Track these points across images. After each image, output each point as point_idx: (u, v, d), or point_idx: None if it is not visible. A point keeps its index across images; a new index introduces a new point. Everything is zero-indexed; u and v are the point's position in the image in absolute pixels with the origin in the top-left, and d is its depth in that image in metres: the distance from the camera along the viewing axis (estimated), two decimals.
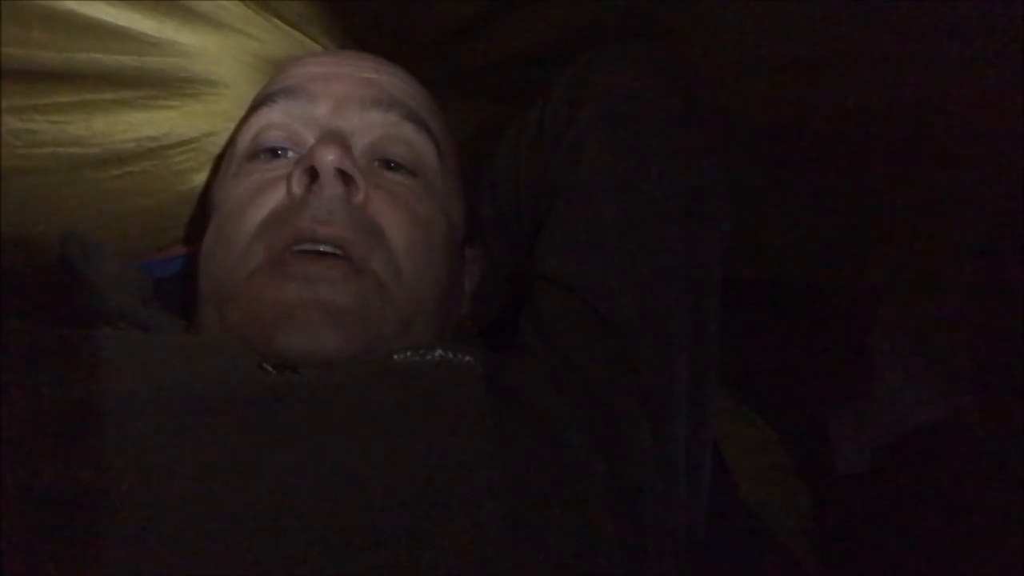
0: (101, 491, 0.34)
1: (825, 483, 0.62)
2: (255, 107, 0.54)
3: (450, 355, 0.45)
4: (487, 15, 0.58)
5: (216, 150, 0.64)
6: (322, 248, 0.46)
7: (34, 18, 0.48)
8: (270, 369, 0.43)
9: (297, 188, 0.48)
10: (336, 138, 0.48)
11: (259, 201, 0.49)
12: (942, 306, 0.60)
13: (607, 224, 0.48)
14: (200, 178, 0.65)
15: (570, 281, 0.48)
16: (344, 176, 0.47)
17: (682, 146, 0.51)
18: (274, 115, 0.52)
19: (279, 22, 0.61)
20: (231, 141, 0.56)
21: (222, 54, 0.59)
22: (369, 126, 0.52)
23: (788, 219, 0.65)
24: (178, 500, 0.34)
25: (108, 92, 0.56)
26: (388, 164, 0.52)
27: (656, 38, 0.56)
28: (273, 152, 0.52)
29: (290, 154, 0.51)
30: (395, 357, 0.45)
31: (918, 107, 0.54)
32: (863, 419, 0.63)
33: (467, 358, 0.46)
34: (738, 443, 0.66)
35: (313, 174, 0.47)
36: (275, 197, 0.49)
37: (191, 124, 0.61)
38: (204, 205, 0.61)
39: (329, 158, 0.46)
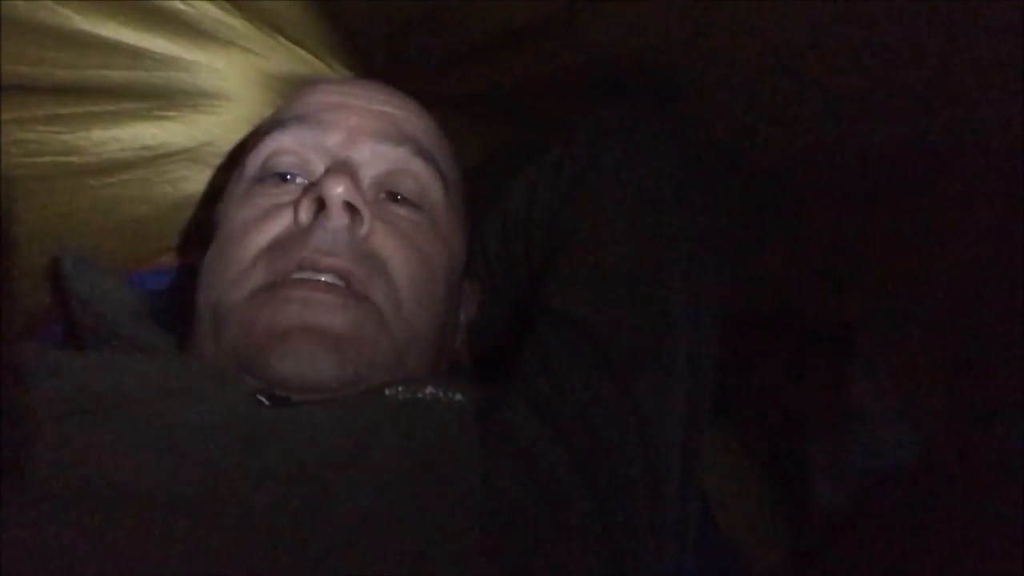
0: (84, 519, 0.34)
1: (803, 517, 0.64)
2: (267, 130, 0.54)
3: (440, 393, 0.46)
4: (490, 46, 0.59)
5: (212, 160, 0.64)
6: (323, 278, 0.46)
7: (44, 37, 0.49)
8: (264, 400, 0.43)
9: (304, 217, 0.48)
10: (346, 170, 0.49)
11: (264, 225, 0.49)
12: (920, 347, 0.62)
13: (617, 267, 0.49)
14: (194, 187, 0.65)
15: (576, 318, 0.48)
16: (351, 208, 0.47)
17: (693, 196, 0.52)
18: (285, 141, 0.52)
19: (282, 39, 0.61)
20: (240, 161, 0.57)
21: (225, 69, 0.60)
22: (379, 158, 0.52)
23: (767, 254, 0.66)
24: (167, 530, 0.34)
25: (110, 104, 0.56)
26: (395, 197, 0.52)
27: (661, 83, 0.57)
28: (282, 177, 0.52)
29: (298, 180, 0.52)
30: (387, 392, 0.45)
31: (896, 147, 0.55)
32: (841, 453, 0.65)
33: (457, 396, 0.46)
34: (717, 473, 0.67)
35: (321, 204, 0.47)
36: (281, 223, 0.49)
37: (189, 134, 0.62)
38: (206, 220, 0.61)
39: (338, 190, 0.47)
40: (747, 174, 0.60)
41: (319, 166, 0.51)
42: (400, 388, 0.45)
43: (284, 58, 0.62)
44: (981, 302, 0.58)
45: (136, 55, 0.54)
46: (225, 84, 0.60)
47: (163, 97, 0.58)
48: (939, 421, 0.60)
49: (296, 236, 0.48)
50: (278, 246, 0.48)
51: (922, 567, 0.55)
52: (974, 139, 0.53)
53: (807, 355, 0.67)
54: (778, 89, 0.55)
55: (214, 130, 0.63)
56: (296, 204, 0.49)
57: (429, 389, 0.46)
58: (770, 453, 0.68)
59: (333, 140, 0.52)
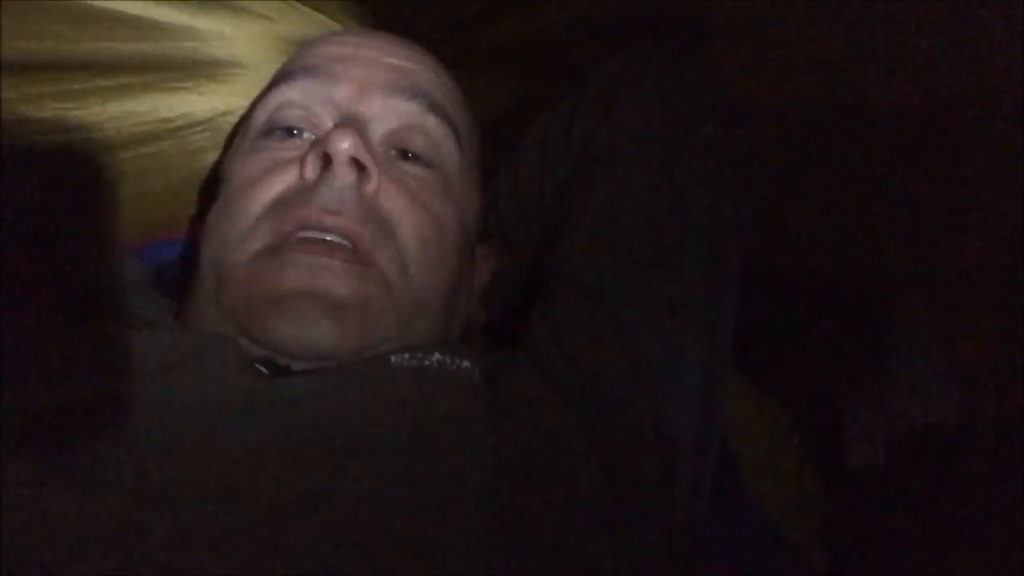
0: (87, 497, 0.34)
1: (838, 475, 0.62)
2: (274, 83, 0.53)
3: (448, 360, 0.45)
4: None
5: (231, 128, 0.64)
6: (328, 237, 0.45)
7: (45, 11, 0.48)
8: (263, 370, 0.43)
9: (310, 173, 0.47)
10: (353, 125, 0.47)
11: (270, 181, 0.48)
12: (962, 303, 0.60)
13: (630, 228, 0.48)
14: (213, 157, 0.65)
15: (587, 281, 0.47)
16: (358, 165, 0.46)
17: (711, 154, 0.50)
18: (292, 93, 0.51)
19: (297, 2, 0.60)
20: (247, 116, 0.56)
21: (237, 35, 0.59)
22: (390, 113, 0.50)
23: (812, 209, 0.64)
24: (167, 505, 0.34)
25: (122, 78, 0.55)
26: (406, 154, 0.51)
27: (685, 30, 0.55)
28: (288, 131, 0.51)
29: (305, 135, 0.50)
30: (392, 359, 0.44)
31: (948, 103, 0.53)
32: (879, 411, 0.63)
33: (465, 363, 0.45)
34: (749, 430, 0.65)
35: (327, 160, 0.46)
36: (286, 179, 0.48)
37: (206, 104, 0.61)
38: (213, 179, 0.60)
39: (344, 146, 0.45)
40: (776, 123, 0.57)
41: (327, 120, 0.50)
42: (406, 356, 0.44)
43: (296, 21, 0.61)
44: None
45: (141, 25, 0.53)
46: (237, 51, 0.60)
47: (175, 68, 0.58)
48: (982, 378, 0.58)
49: (301, 193, 0.47)
50: (282, 203, 0.47)
51: (961, 527, 0.53)
52: (1013, 94, 0.50)
53: (846, 312, 0.65)
54: (812, 40, 0.53)
55: (231, 99, 0.62)
56: (302, 160, 0.47)
57: (436, 356, 0.45)
58: (805, 412, 0.66)
59: (342, 93, 0.50)
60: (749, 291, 0.50)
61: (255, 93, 0.62)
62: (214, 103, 0.62)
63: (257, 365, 0.43)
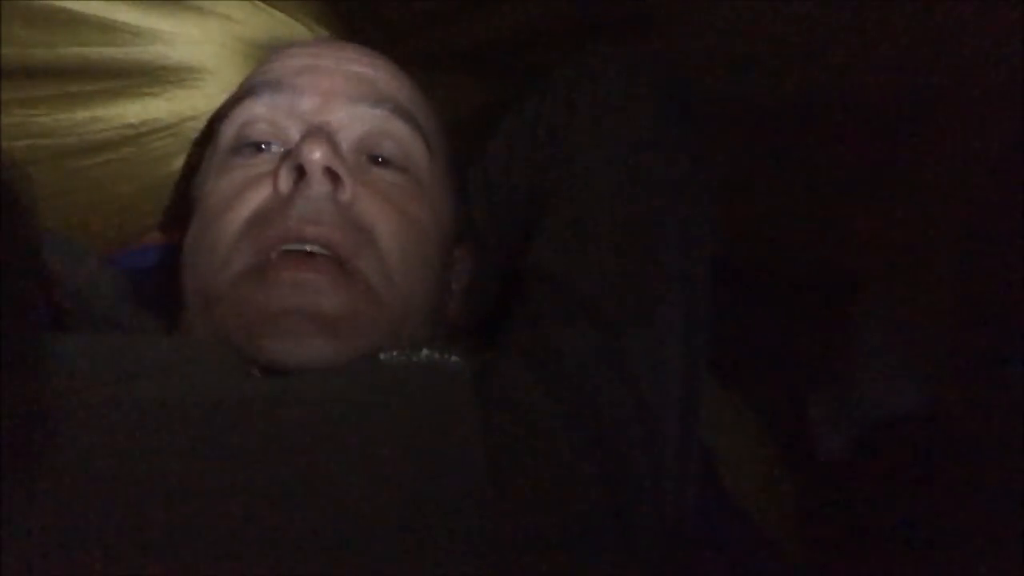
0: (80, 498, 0.34)
1: (807, 470, 0.64)
2: (238, 99, 0.53)
3: (436, 355, 0.45)
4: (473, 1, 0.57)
5: (196, 134, 0.63)
6: (309, 248, 0.45)
7: (14, 16, 0.47)
8: (256, 374, 0.43)
9: (284, 186, 0.47)
10: (323, 134, 0.47)
11: (244, 198, 0.48)
12: (924, 294, 0.61)
13: (602, 224, 0.48)
14: (179, 164, 0.64)
15: (565, 279, 0.47)
16: (331, 174, 0.46)
17: (674, 148, 0.51)
18: (257, 108, 0.51)
19: (262, 4, 0.60)
20: (213, 132, 0.55)
21: (204, 39, 0.58)
22: (356, 121, 0.51)
23: (771, 204, 0.65)
24: (161, 508, 0.34)
25: (89, 84, 0.55)
26: (376, 160, 0.51)
27: (645, 27, 0.55)
28: (257, 146, 0.50)
29: (274, 148, 0.50)
30: (381, 357, 0.44)
31: (894, 85, 0.54)
32: (843, 404, 0.64)
33: (453, 358, 0.46)
34: (719, 429, 0.66)
35: (300, 171, 0.46)
36: (260, 194, 0.48)
37: (172, 110, 0.60)
38: (184, 195, 0.60)
39: (316, 155, 0.45)
40: (737, 117, 0.58)
41: (295, 133, 0.50)
42: (394, 353, 0.45)
43: (263, 24, 0.60)
44: (986, 247, 0.57)
45: (108, 29, 0.52)
46: (204, 55, 0.59)
47: (142, 73, 0.57)
48: (945, 368, 0.59)
49: (277, 207, 0.46)
50: (260, 219, 0.47)
51: (928, 516, 0.54)
52: (974, 75, 0.52)
53: (807, 306, 0.66)
54: (769, 27, 0.54)
55: (197, 104, 0.61)
56: (275, 173, 0.47)
57: (424, 352, 0.45)
58: (772, 406, 0.67)
59: (307, 105, 0.50)
60: (712, 289, 0.51)
61: (220, 98, 0.61)
62: (178, 108, 0.61)
63: (251, 371, 0.43)
